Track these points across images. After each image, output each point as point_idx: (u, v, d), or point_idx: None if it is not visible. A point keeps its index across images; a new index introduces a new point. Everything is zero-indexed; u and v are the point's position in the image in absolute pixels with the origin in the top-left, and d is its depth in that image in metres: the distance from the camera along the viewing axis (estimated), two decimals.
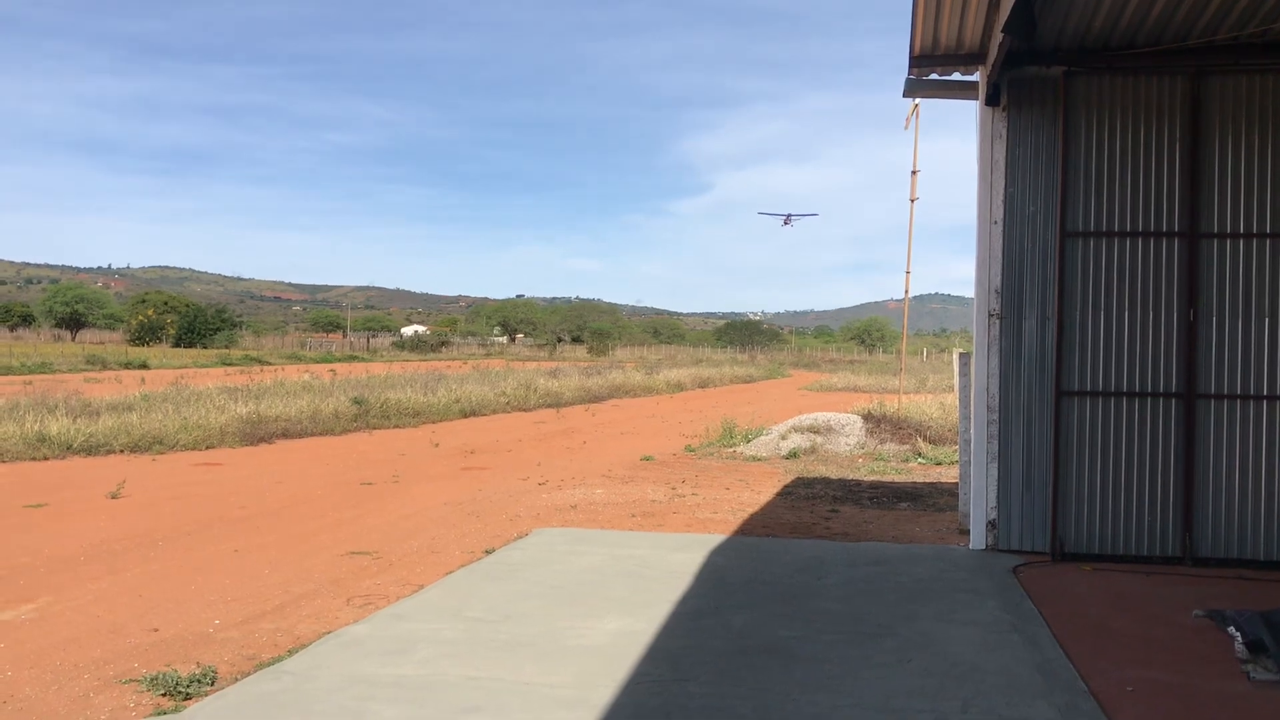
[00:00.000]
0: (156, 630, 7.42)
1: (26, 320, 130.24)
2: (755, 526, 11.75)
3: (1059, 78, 9.91)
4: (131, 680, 6.27)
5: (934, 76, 10.68)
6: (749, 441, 20.55)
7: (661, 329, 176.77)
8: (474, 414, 30.17)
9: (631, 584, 8.57)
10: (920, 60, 10.48)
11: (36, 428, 19.19)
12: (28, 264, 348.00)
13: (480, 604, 7.86)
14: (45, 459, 17.89)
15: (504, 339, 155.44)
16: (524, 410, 32.89)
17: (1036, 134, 10.04)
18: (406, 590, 8.57)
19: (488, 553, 10.08)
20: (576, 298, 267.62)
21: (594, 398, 39.09)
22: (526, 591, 8.28)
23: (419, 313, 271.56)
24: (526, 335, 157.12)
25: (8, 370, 49.47)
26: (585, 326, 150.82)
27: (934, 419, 22.04)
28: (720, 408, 32.83)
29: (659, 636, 7.02)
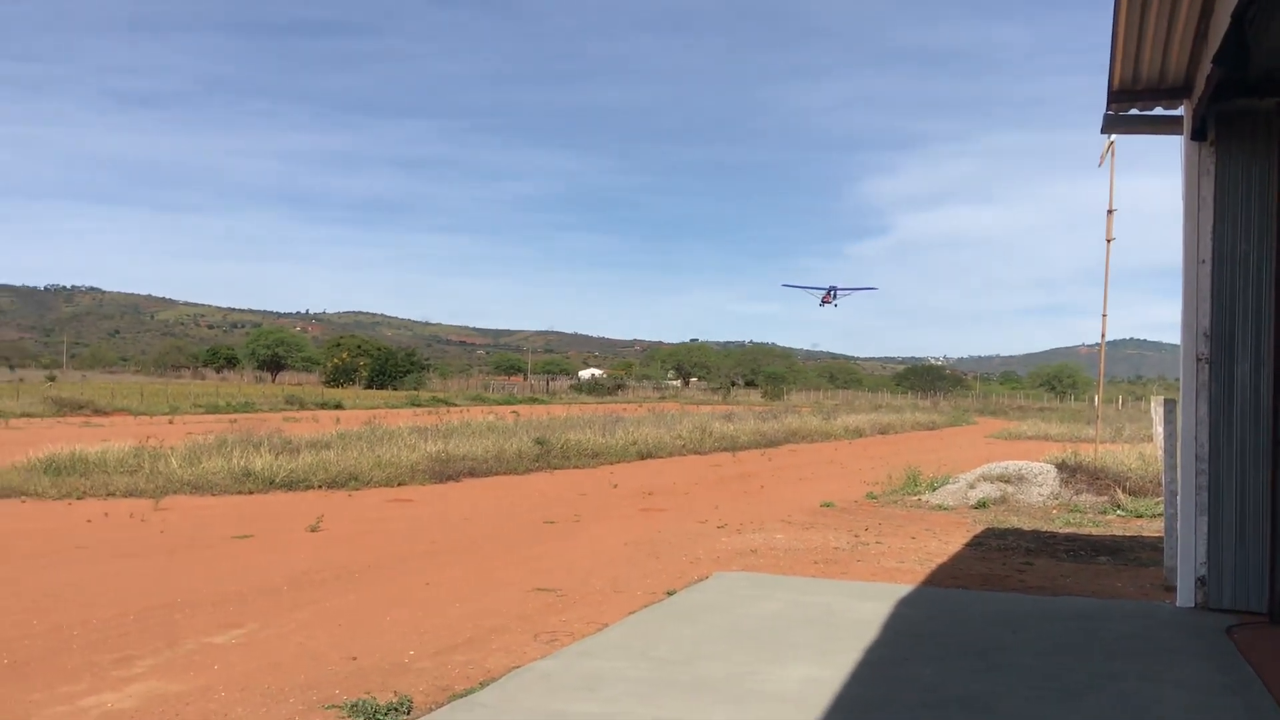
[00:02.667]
0: (355, 658, 7.72)
1: (231, 362, 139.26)
2: (944, 577, 11.39)
3: (1274, 109, 9.35)
4: (333, 706, 6.52)
5: (1134, 112, 10.28)
6: (934, 490, 19.99)
7: (837, 373, 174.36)
8: (650, 456, 30.41)
9: (816, 631, 8.43)
10: (1119, 95, 10.11)
11: (242, 463, 20.39)
12: (233, 309, 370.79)
13: (664, 645, 7.86)
14: (250, 493, 18.96)
15: (678, 382, 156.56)
16: (699, 453, 32.94)
17: (1249, 169, 9.49)
18: (591, 628, 8.65)
19: (669, 594, 10.09)
20: (750, 341, 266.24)
21: (769, 442, 38.80)
22: (710, 634, 8.24)
23: (595, 356, 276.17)
24: (700, 379, 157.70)
25: (214, 409, 52.87)
26: (759, 370, 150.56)
27: (1133, 469, 20.95)
28: (902, 454, 32.10)
29: (846, 685, 6.87)
